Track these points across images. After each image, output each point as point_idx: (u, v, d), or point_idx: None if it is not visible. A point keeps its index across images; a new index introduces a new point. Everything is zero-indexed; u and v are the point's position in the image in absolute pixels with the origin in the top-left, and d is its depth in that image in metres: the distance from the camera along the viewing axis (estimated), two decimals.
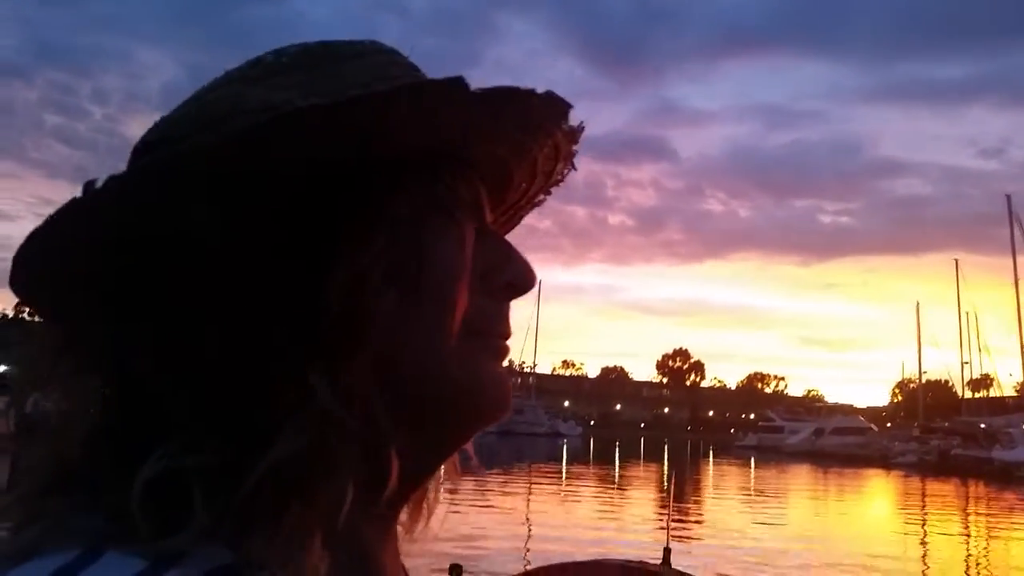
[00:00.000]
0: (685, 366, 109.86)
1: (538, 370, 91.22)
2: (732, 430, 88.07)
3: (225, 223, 0.44)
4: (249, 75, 0.49)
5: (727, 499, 23.30)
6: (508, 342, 0.56)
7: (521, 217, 0.65)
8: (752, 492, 25.97)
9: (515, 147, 0.55)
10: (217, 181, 0.42)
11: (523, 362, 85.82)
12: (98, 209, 0.42)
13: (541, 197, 0.63)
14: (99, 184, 0.42)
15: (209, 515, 0.42)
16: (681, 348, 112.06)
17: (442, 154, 0.51)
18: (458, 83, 0.44)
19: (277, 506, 0.43)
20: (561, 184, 0.62)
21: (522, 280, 0.56)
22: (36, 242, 0.43)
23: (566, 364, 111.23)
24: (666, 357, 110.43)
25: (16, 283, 0.46)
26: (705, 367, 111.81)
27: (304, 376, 0.44)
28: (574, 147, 0.58)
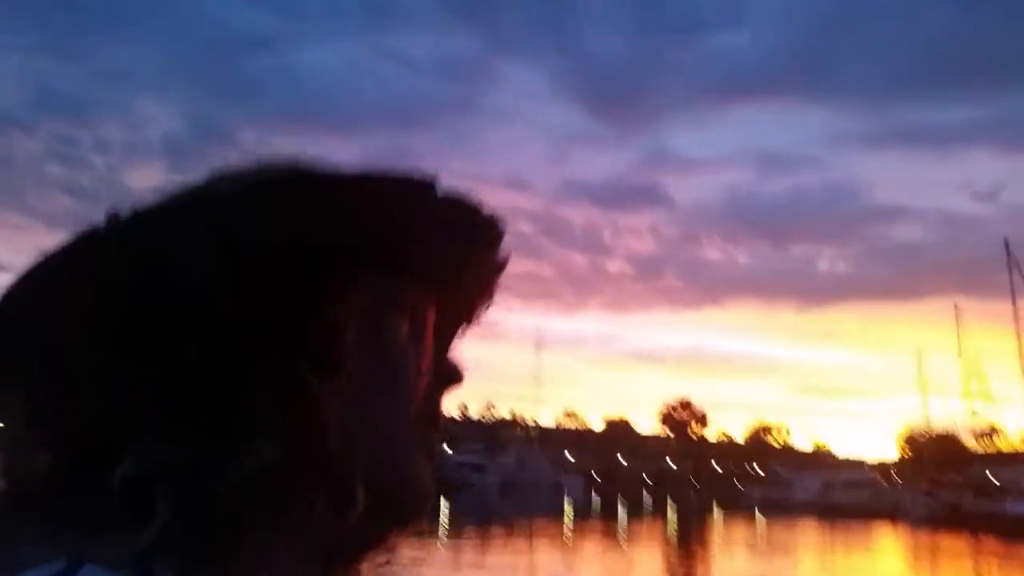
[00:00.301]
0: (689, 417, 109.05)
1: (540, 420, 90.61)
2: (739, 484, 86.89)
3: (229, 274, 0.47)
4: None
5: (735, 554, 22.79)
6: (437, 449, 0.56)
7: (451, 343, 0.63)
8: (760, 547, 25.44)
9: (457, 258, 0.57)
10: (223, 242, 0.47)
11: (523, 413, 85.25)
12: (117, 247, 0.48)
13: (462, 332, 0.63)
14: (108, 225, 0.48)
15: (171, 518, 0.43)
16: (684, 399, 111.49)
17: (400, 251, 0.53)
18: (430, 183, 0.49)
19: (235, 525, 0.44)
20: (477, 323, 0.62)
21: (458, 371, 0.59)
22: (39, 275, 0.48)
23: (568, 415, 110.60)
24: (669, 407, 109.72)
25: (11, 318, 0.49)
26: (708, 417, 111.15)
27: (284, 386, 0.46)
28: (497, 281, 0.61)
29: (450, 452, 69.16)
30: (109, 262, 0.48)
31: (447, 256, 0.57)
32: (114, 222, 0.49)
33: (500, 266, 0.61)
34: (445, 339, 0.61)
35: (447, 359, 0.59)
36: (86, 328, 0.48)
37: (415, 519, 0.55)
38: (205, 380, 0.46)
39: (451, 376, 0.59)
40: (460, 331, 0.63)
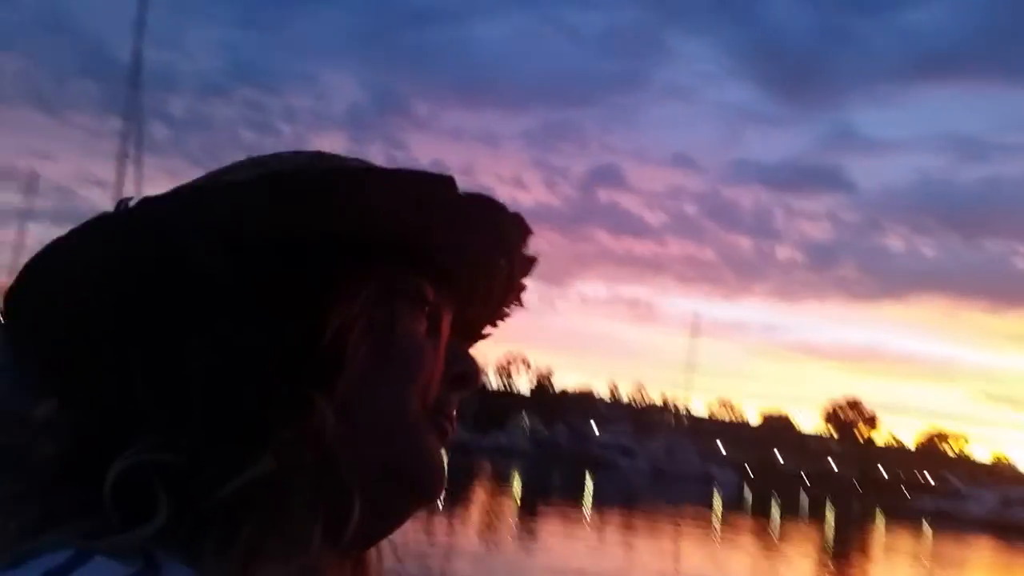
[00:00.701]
0: (856, 417, 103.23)
1: (692, 409, 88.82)
2: (906, 492, 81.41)
3: (240, 266, 0.48)
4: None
5: (897, 569, 21.44)
6: (451, 432, 0.57)
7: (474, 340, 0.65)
8: (926, 563, 23.77)
9: (477, 257, 0.58)
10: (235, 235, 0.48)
11: (675, 398, 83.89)
12: (128, 232, 0.48)
13: (488, 330, 0.65)
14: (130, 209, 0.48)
15: (170, 515, 0.44)
16: (852, 398, 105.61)
17: (415, 247, 0.54)
18: (446, 181, 0.49)
19: (232, 523, 0.45)
20: (506, 318, 0.64)
21: (473, 374, 0.59)
22: (63, 254, 0.47)
23: (723, 405, 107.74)
24: (835, 406, 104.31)
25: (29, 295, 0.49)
26: (878, 419, 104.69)
27: (291, 394, 0.47)
28: (525, 281, 0.61)
29: (596, 430, 69.30)
30: (120, 249, 0.48)
31: (465, 253, 0.57)
32: (127, 210, 0.48)
33: (524, 267, 0.60)
34: (465, 339, 0.61)
35: (466, 359, 0.59)
36: (98, 310, 0.49)
37: (428, 497, 0.56)
38: (209, 380, 0.47)
39: (466, 377, 0.59)
40: (482, 331, 0.64)
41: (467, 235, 0.56)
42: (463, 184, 0.50)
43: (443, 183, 0.50)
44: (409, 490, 0.55)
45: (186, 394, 0.47)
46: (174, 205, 0.48)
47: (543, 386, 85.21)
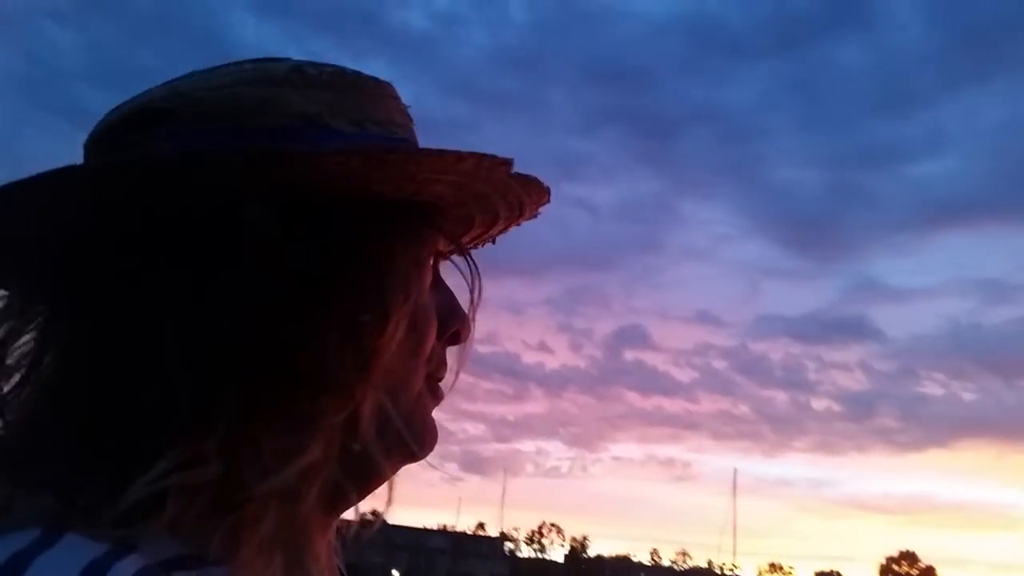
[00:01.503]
0: (913, 572, 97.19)
1: (741, 572, 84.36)
2: None
3: (279, 225, 0.48)
4: (292, 80, 0.53)
5: None
6: (443, 393, 0.61)
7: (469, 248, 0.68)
8: None
9: (489, 208, 0.62)
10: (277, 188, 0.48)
11: (722, 564, 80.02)
12: (140, 181, 0.47)
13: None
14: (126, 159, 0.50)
15: (178, 513, 0.45)
16: (907, 551, 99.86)
17: (436, 208, 0.57)
18: (497, 160, 0.53)
19: (258, 514, 0.47)
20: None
21: (467, 332, 0.62)
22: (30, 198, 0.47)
23: (773, 568, 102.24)
24: (890, 561, 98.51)
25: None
26: (936, 573, 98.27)
27: (342, 387, 0.49)
28: (539, 208, 0.65)
29: None
30: (171, 193, 0.48)
31: (482, 212, 0.61)
32: (183, 155, 0.49)
33: (530, 208, 0.63)
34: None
35: (461, 315, 0.62)
36: (139, 249, 0.48)
37: (419, 456, 0.58)
38: (258, 352, 0.47)
39: (461, 334, 0.62)
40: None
41: (490, 199, 0.59)
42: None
43: (490, 161, 0.53)
44: (400, 449, 0.56)
45: (225, 371, 0.47)
46: (235, 158, 0.48)
47: (576, 552, 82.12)
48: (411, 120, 0.59)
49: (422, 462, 0.58)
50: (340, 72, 0.56)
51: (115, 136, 0.54)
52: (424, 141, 0.59)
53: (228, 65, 0.55)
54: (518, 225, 0.67)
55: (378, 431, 0.53)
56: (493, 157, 0.53)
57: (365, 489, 0.57)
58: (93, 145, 0.55)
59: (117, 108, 0.55)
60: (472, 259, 0.64)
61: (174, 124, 0.52)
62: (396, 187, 0.52)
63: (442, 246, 0.61)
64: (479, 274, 0.63)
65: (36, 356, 0.52)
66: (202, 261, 0.49)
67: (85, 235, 0.49)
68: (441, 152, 0.51)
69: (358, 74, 0.57)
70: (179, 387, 0.46)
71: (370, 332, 0.51)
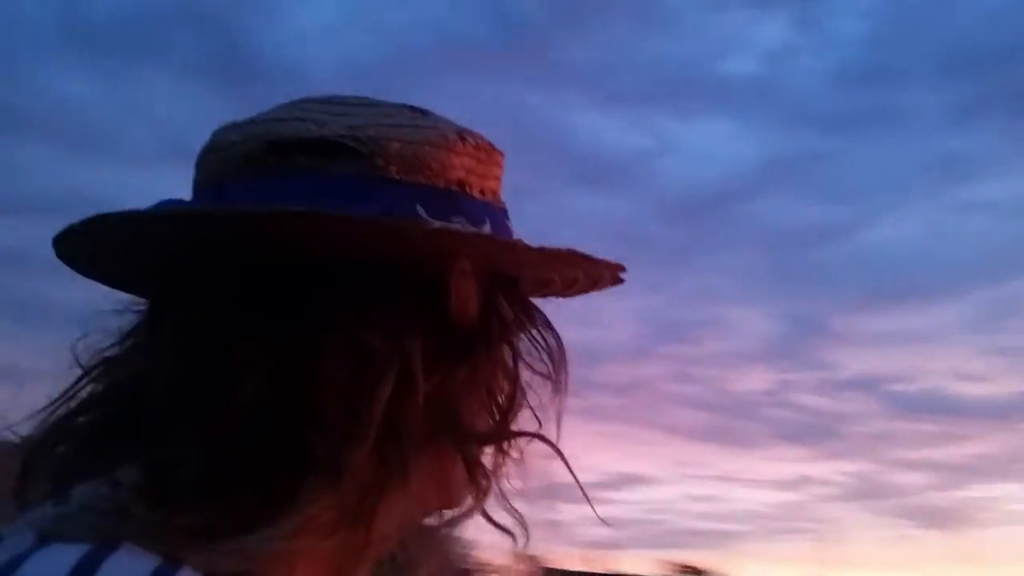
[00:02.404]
0: None
1: None
2: None
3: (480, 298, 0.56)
4: (457, 146, 0.59)
5: None
6: None
7: None
8: None
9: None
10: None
11: None
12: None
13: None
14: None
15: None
16: None
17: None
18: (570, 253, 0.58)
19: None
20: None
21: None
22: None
23: None
24: None
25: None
26: None
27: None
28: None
29: None
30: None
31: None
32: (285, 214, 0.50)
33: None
34: None
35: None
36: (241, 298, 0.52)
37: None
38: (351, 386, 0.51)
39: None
40: None
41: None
42: None
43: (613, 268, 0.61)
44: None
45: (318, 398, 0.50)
46: (467, 233, 0.54)
47: None
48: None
49: None
50: (485, 142, 0.61)
51: (279, 155, 0.55)
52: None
53: (400, 109, 0.59)
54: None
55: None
56: (617, 265, 0.61)
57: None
58: (244, 160, 0.55)
59: (260, 122, 0.57)
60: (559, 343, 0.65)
61: (364, 164, 0.54)
62: (542, 273, 0.60)
63: None
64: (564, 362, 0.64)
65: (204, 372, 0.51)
66: (418, 324, 0.53)
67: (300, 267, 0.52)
68: (595, 260, 0.59)
69: (491, 144, 0.62)
70: (334, 440, 0.49)
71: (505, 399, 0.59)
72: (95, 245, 0.54)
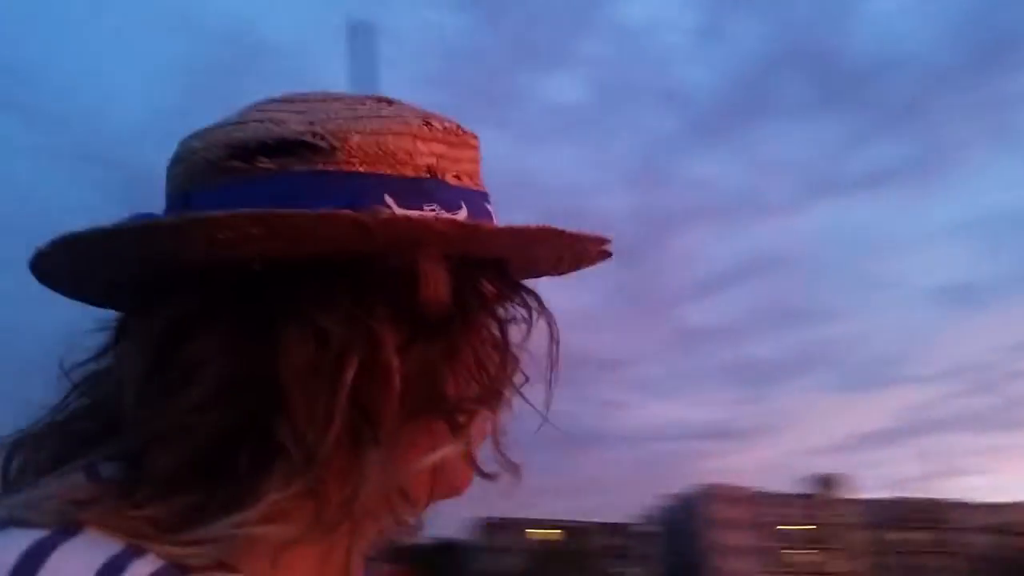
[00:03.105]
0: None
1: None
2: None
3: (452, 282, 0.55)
4: (423, 132, 0.59)
5: None
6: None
7: None
8: None
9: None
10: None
11: None
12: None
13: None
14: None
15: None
16: None
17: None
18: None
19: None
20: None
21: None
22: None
23: None
24: None
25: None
26: None
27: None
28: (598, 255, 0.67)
29: None
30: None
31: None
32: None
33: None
34: None
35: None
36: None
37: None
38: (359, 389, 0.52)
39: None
40: None
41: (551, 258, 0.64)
42: None
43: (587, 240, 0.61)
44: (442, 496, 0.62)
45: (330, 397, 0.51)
46: (440, 224, 0.54)
47: None
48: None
49: None
50: (453, 125, 0.61)
51: (241, 159, 0.54)
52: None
53: (363, 100, 0.59)
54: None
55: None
56: (599, 238, 0.61)
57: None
58: (207, 167, 0.55)
59: (220, 128, 0.56)
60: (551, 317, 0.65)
61: (326, 159, 0.54)
62: (523, 253, 0.60)
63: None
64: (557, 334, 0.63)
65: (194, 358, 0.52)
66: (384, 308, 0.53)
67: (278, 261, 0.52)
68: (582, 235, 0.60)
69: (461, 126, 0.62)
70: (300, 421, 0.50)
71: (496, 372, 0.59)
72: (69, 262, 0.55)
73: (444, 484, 0.60)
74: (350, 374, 0.51)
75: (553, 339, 0.62)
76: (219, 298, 0.52)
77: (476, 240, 0.56)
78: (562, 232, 0.58)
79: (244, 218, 0.49)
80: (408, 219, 0.53)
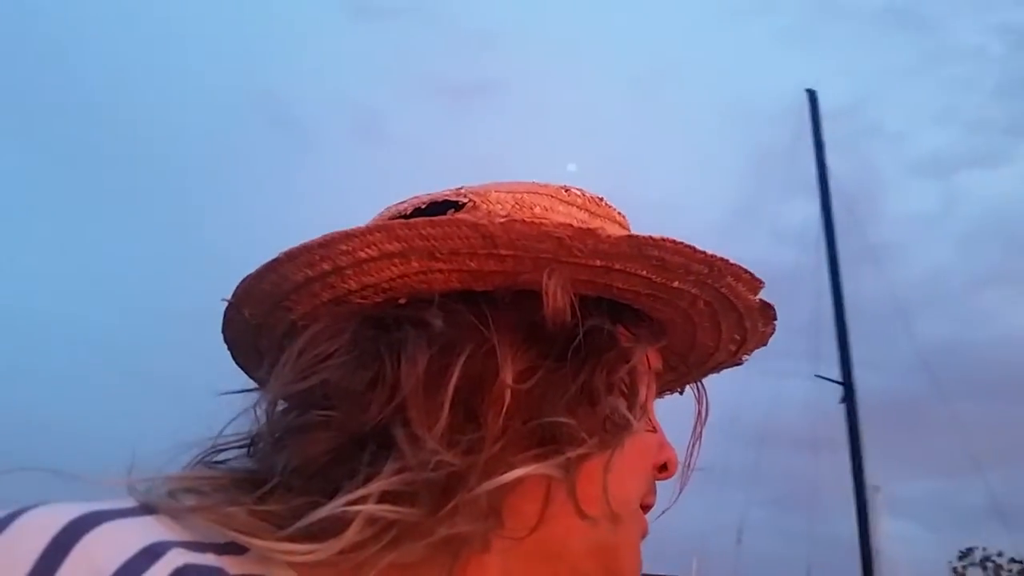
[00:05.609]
0: None
1: None
2: None
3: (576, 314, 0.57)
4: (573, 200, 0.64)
5: None
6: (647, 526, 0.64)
7: (708, 373, 0.72)
8: None
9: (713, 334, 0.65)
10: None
11: None
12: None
13: (734, 358, 0.70)
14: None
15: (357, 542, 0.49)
16: None
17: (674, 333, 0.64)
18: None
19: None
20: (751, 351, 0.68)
21: (674, 468, 0.64)
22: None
23: None
24: None
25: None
26: None
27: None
28: (765, 325, 0.65)
29: None
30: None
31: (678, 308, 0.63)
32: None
33: (749, 322, 0.65)
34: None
35: (669, 446, 0.65)
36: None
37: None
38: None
39: (668, 466, 0.64)
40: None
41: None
42: None
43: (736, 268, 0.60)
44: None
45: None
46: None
47: None
48: None
49: None
50: (596, 197, 0.65)
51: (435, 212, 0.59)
52: None
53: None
54: (736, 363, 0.69)
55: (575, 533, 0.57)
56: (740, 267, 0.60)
57: None
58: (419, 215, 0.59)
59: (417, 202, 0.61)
60: (702, 385, 0.67)
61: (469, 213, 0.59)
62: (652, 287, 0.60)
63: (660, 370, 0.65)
64: (707, 401, 0.66)
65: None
66: (509, 327, 0.56)
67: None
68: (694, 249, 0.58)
69: (604, 200, 0.66)
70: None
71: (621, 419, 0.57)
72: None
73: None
74: (455, 373, 0.53)
75: (700, 418, 0.63)
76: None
77: (593, 248, 0.55)
78: (703, 254, 0.57)
79: (376, 231, 0.54)
80: (523, 221, 0.54)
